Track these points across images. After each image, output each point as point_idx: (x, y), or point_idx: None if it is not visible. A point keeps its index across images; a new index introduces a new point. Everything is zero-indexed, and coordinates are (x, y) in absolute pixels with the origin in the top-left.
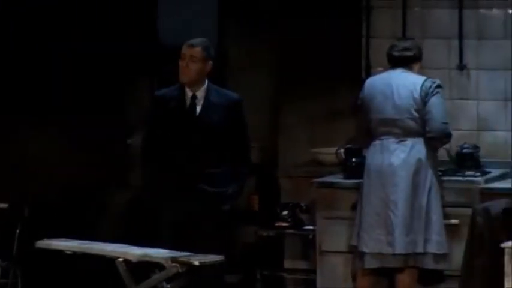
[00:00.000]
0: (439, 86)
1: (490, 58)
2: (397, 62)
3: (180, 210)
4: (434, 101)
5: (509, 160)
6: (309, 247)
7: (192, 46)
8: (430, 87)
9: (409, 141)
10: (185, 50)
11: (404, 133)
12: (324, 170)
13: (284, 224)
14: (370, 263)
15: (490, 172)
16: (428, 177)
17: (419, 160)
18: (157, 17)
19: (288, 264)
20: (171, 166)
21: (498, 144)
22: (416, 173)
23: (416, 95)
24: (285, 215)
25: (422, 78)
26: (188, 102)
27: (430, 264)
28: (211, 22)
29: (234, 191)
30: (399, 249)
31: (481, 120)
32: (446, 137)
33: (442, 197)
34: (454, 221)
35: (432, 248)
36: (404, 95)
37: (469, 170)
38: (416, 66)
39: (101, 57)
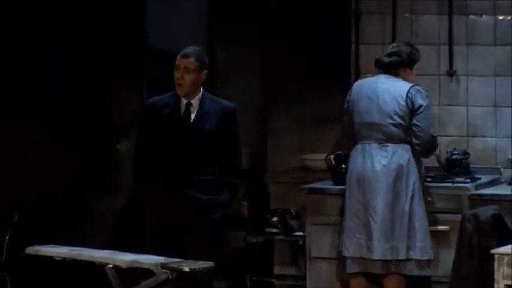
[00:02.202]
0: (426, 95)
1: (479, 64)
2: (383, 66)
3: (170, 217)
4: (424, 114)
5: (499, 166)
6: (298, 253)
7: (185, 57)
8: (415, 95)
9: (391, 147)
10: (179, 62)
11: (386, 138)
12: (313, 176)
13: (273, 230)
14: (351, 268)
15: (479, 178)
16: (410, 183)
17: (401, 166)
18: (146, 19)
19: (277, 270)
20: (162, 172)
21: (487, 150)
22: (397, 179)
23: (402, 101)
24: (275, 221)
25: (409, 85)
26: (183, 109)
27: (414, 270)
28: (200, 26)
29: (226, 200)
30: (377, 255)
31: (471, 126)
32: (433, 149)
33: (431, 202)
34: (443, 227)
35: (416, 255)
36: (389, 100)
37: (459, 176)
38: (404, 72)
39: (88, 58)
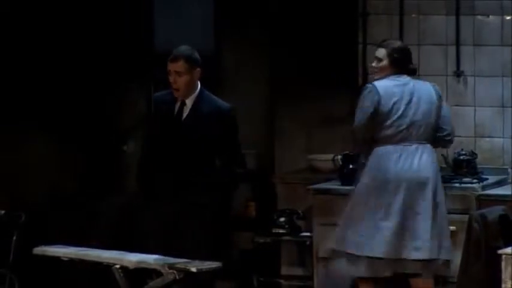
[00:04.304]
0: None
1: (487, 65)
2: (411, 72)
3: (163, 216)
4: (447, 108)
5: (506, 167)
6: (305, 253)
7: (174, 61)
8: (440, 94)
9: (426, 147)
10: (169, 66)
11: (421, 139)
12: (320, 177)
13: (281, 231)
14: (381, 271)
15: (487, 179)
16: (440, 182)
17: (435, 165)
18: (153, 22)
19: (284, 270)
20: (157, 172)
21: (495, 151)
22: (435, 178)
23: (433, 101)
24: (282, 222)
25: (430, 84)
26: (176, 108)
27: (441, 270)
28: (207, 28)
29: (217, 199)
30: (423, 254)
31: (478, 127)
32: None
33: None
34: (450, 228)
35: (443, 255)
36: (423, 101)
37: (466, 176)
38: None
39: (95, 60)
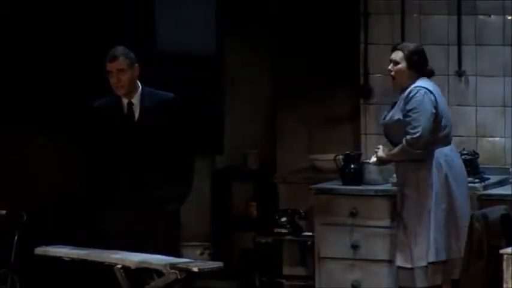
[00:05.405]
0: None
1: (488, 64)
2: (430, 74)
3: (126, 217)
4: None
5: (508, 166)
6: (307, 253)
7: (114, 59)
8: None
9: None
10: (109, 67)
11: None
12: (322, 176)
13: (282, 231)
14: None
15: (488, 178)
16: None
17: None
18: (155, 23)
19: (286, 270)
20: (115, 174)
21: (496, 151)
22: None
23: None
24: (284, 222)
25: None
26: (125, 109)
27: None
28: (208, 29)
29: (178, 193)
30: None
31: (480, 127)
32: None
33: None
34: None
35: None
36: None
37: (468, 176)
38: None
39: (96, 61)
